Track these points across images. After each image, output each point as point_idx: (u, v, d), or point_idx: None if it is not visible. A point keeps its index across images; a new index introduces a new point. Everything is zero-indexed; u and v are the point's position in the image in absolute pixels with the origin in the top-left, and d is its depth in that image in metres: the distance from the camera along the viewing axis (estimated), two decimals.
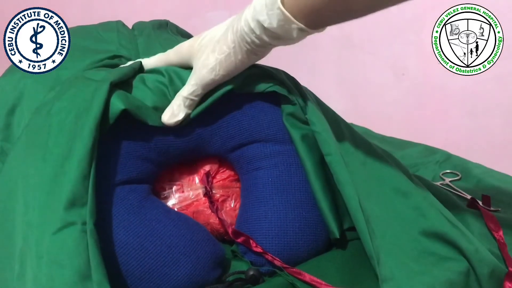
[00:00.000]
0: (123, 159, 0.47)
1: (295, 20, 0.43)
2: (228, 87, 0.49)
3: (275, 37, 0.45)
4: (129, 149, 0.48)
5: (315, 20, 0.44)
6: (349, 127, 0.55)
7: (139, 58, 0.58)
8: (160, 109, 0.49)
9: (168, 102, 0.49)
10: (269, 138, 0.52)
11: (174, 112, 0.48)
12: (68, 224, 0.40)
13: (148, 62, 0.54)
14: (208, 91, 0.49)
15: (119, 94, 0.46)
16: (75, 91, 0.47)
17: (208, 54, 0.48)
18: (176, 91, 0.50)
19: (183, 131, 0.50)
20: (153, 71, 0.52)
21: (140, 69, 0.54)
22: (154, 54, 0.56)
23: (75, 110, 0.45)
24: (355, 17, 0.43)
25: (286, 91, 0.51)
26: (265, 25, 0.44)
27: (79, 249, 0.39)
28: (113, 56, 0.57)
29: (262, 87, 0.51)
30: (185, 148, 0.51)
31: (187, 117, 0.49)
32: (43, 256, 0.39)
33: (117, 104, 0.45)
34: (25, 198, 0.43)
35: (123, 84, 0.49)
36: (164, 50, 0.56)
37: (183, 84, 0.50)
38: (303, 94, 0.53)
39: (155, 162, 0.50)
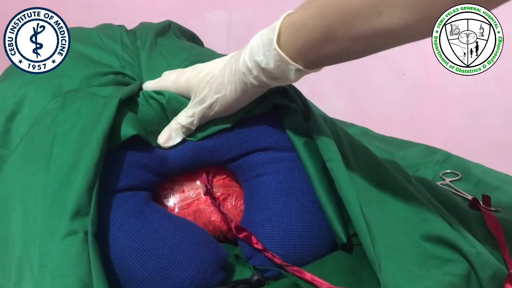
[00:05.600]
0: (126, 168, 0.48)
1: (291, 61, 0.42)
2: (229, 125, 0.51)
3: (272, 77, 0.44)
4: (132, 158, 0.49)
5: (313, 60, 0.43)
6: (346, 133, 0.55)
7: (142, 74, 0.59)
8: (159, 131, 0.51)
9: (166, 120, 0.52)
10: (270, 147, 0.52)
11: (171, 136, 0.51)
12: (71, 232, 0.40)
13: (146, 87, 0.55)
14: (205, 122, 0.51)
15: (131, 118, 0.48)
16: (81, 104, 0.48)
17: (205, 91, 0.49)
18: (173, 110, 0.52)
19: (183, 145, 0.51)
20: (155, 91, 0.54)
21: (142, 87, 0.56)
22: (156, 68, 0.57)
23: (81, 123, 0.46)
24: (353, 58, 0.42)
25: (287, 100, 0.52)
26: (262, 65, 0.43)
27: (81, 258, 0.39)
28: (116, 72, 0.57)
29: (266, 106, 0.52)
30: (185, 162, 0.52)
31: (182, 141, 0.51)
32: (46, 264, 0.39)
33: (129, 129, 0.47)
34: (24, 206, 0.43)
35: (130, 100, 0.51)
36: (165, 61, 0.58)
37: (182, 105, 0.51)
38: (305, 101, 0.53)
39: (157, 172, 0.51)
